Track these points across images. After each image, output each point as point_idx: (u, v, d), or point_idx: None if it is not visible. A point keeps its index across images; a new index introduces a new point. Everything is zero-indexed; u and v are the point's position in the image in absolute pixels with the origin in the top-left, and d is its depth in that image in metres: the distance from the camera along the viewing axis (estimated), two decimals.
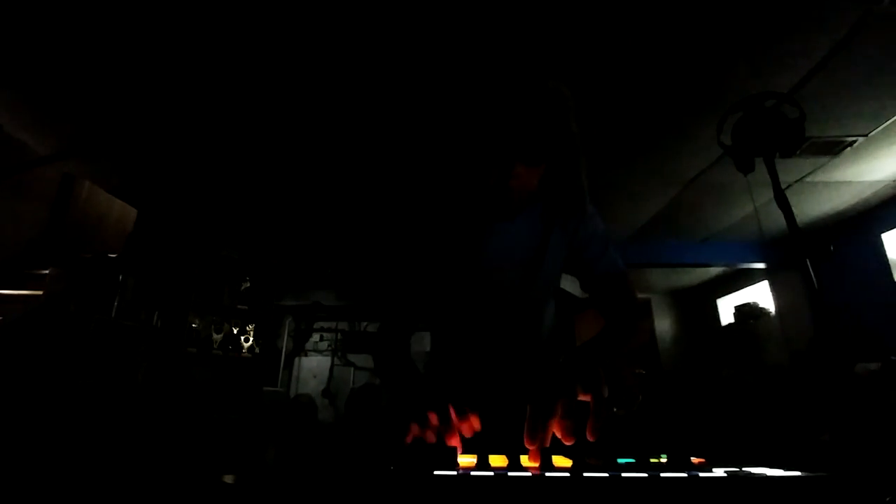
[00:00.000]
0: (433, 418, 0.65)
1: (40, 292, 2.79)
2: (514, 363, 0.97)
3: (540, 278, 0.93)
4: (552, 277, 0.97)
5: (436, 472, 0.44)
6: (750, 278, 5.23)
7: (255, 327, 4.18)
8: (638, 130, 2.78)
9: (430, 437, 0.64)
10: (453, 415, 0.65)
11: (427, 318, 1.04)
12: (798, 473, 0.43)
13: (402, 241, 0.98)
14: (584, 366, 0.58)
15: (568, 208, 0.91)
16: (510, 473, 0.43)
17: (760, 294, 5.16)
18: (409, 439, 0.65)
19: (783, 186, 1.41)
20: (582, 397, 0.55)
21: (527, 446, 0.52)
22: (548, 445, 0.52)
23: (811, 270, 1.34)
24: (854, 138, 2.81)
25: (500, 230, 0.90)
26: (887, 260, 3.66)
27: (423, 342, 1.60)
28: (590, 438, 0.52)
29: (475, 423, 0.67)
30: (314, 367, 6.65)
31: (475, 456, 0.55)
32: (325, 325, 6.76)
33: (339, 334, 6.75)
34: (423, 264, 0.96)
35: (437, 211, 0.95)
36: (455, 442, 0.64)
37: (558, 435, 0.53)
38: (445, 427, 0.64)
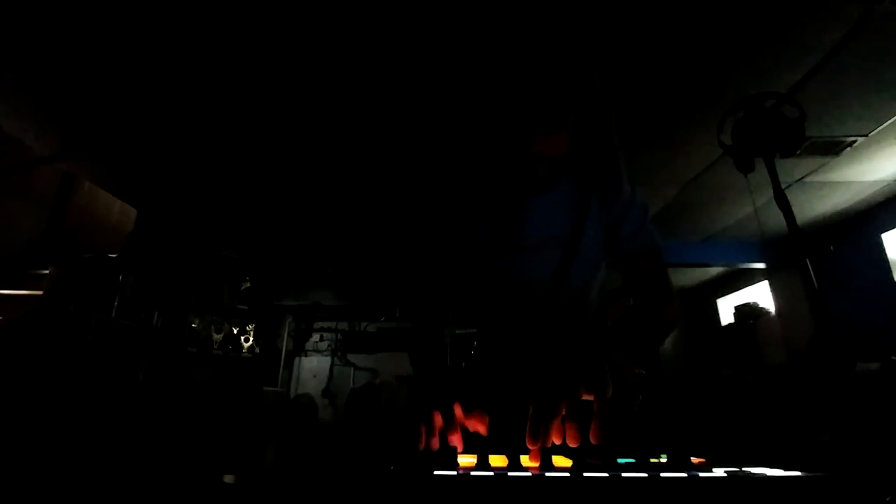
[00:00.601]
0: (437, 419, 0.64)
1: (40, 292, 2.79)
2: (555, 354, 0.93)
3: (580, 256, 0.87)
4: (594, 256, 0.90)
5: (436, 472, 0.44)
6: (750, 278, 5.23)
7: (255, 327, 4.18)
8: (638, 130, 2.78)
9: (435, 442, 0.63)
10: (458, 413, 0.64)
11: (461, 309, 1.00)
12: (798, 473, 0.43)
13: (428, 230, 0.94)
14: (589, 364, 0.58)
15: (602, 175, 0.86)
16: (510, 473, 0.43)
17: (760, 294, 5.15)
18: (421, 446, 0.64)
19: (783, 186, 1.41)
20: (586, 397, 0.55)
21: (528, 446, 0.52)
22: (549, 446, 0.52)
23: (811, 270, 1.34)
24: (854, 138, 2.81)
25: (531, 205, 0.85)
26: (887, 260, 3.66)
27: None
28: (593, 441, 0.52)
29: (480, 425, 0.66)
30: (314, 367, 6.65)
31: (475, 456, 0.55)
32: (325, 325, 6.76)
33: (339, 334, 6.75)
34: (453, 251, 0.92)
35: (462, 193, 0.91)
36: (457, 441, 0.64)
37: (558, 441, 0.53)
38: (449, 426, 0.64)
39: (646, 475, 0.42)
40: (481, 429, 0.66)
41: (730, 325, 5.41)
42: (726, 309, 5.63)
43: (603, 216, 0.88)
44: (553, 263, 0.88)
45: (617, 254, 0.88)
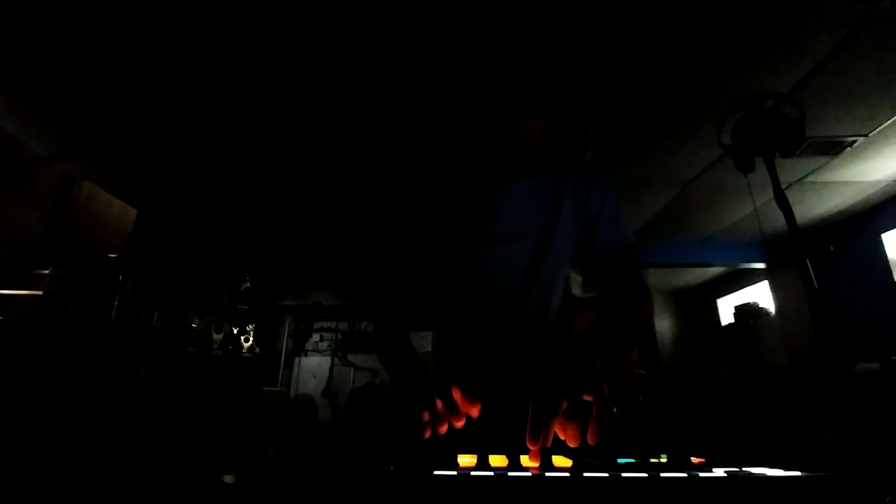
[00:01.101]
0: (438, 404, 0.64)
1: (40, 292, 2.79)
2: (523, 352, 0.92)
3: (553, 248, 0.87)
4: (565, 249, 0.90)
5: (436, 472, 0.44)
6: (750, 278, 5.23)
7: (255, 327, 4.18)
8: (638, 130, 2.78)
9: (442, 428, 0.63)
10: (459, 397, 0.64)
11: (428, 305, 1.00)
12: (798, 473, 0.43)
13: (401, 217, 0.93)
14: (584, 362, 0.58)
15: (576, 165, 0.86)
16: (510, 473, 0.43)
17: (760, 294, 5.16)
18: (427, 435, 0.63)
19: (783, 186, 1.41)
20: (585, 397, 0.55)
21: (528, 446, 0.52)
22: (549, 445, 0.52)
23: (811, 270, 1.34)
24: (854, 138, 2.81)
25: (506, 192, 0.85)
26: (887, 260, 3.66)
27: (424, 342, 1.58)
28: (591, 442, 0.52)
29: (475, 409, 0.66)
30: (314, 367, 6.65)
31: (475, 456, 0.55)
32: (325, 325, 6.77)
33: (339, 334, 6.75)
34: (423, 243, 0.91)
35: (439, 179, 0.90)
36: (461, 425, 0.63)
37: (562, 436, 0.53)
38: (451, 411, 0.63)
39: (646, 475, 0.42)
40: (474, 412, 0.66)
41: (730, 325, 5.42)
42: (726, 309, 5.64)
43: (577, 209, 0.88)
44: (526, 255, 0.88)
45: (592, 250, 0.88)
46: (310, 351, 6.72)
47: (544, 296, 0.91)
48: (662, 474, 0.42)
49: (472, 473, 0.43)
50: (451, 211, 0.89)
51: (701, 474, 0.43)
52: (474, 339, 0.95)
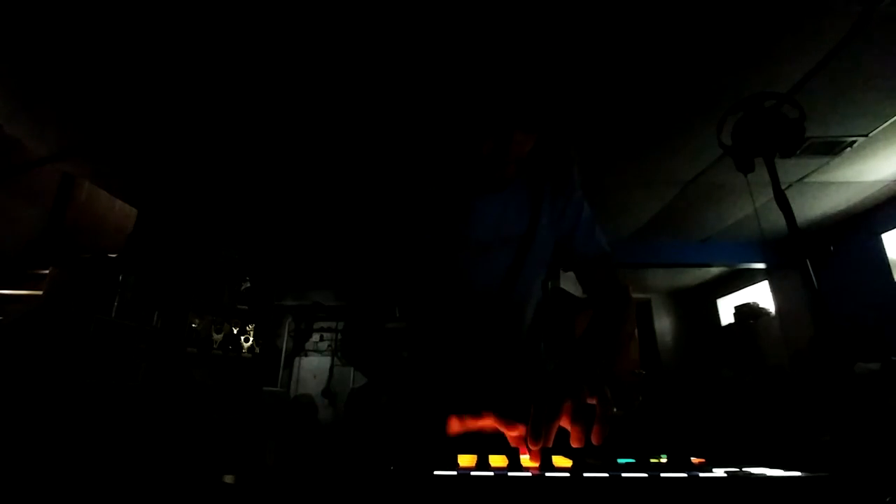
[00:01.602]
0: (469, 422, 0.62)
1: (40, 292, 2.79)
2: (503, 356, 0.93)
3: (530, 258, 0.90)
4: (542, 259, 0.92)
5: (436, 472, 0.44)
6: (750, 278, 5.23)
7: (255, 327, 4.19)
8: (638, 131, 2.78)
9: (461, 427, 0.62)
10: (502, 424, 0.60)
11: (404, 304, 1.00)
12: (798, 473, 0.43)
13: (383, 220, 0.95)
14: (584, 365, 0.58)
15: (556, 179, 0.89)
16: (510, 473, 0.43)
17: (760, 294, 5.16)
18: (453, 431, 0.62)
19: (783, 186, 1.41)
20: (589, 400, 0.55)
21: (529, 447, 0.52)
22: (549, 446, 0.52)
23: (811, 270, 1.34)
24: (854, 138, 2.81)
25: (486, 202, 0.87)
26: (887, 260, 3.66)
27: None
28: (595, 443, 0.52)
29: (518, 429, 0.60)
30: (314, 367, 6.64)
31: (475, 456, 0.55)
32: (325, 325, 6.76)
33: (339, 334, 6.74)
34: (405, 243, 0.92)
35: (424, 185, 0.91)
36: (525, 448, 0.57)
37: (574, 443, 0.53)
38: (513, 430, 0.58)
39: (646, 475, 0.42)
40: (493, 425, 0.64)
41: (730, 325, 5.42)
42: (726, 309, 5.64)
43: (554, 221, 0.91)
44: (504, 264, 0.89)
45: (572, 260, 0.92)
46: (310, 351, 6.72)
47: (521, 304, 0.93)
48: (662, 474, 0.42)
49: (472, 473, 0.43)
50: (431, 217, 0.90)
51: (701, 474, 0.43)
52: (451, 345, 0.96)
